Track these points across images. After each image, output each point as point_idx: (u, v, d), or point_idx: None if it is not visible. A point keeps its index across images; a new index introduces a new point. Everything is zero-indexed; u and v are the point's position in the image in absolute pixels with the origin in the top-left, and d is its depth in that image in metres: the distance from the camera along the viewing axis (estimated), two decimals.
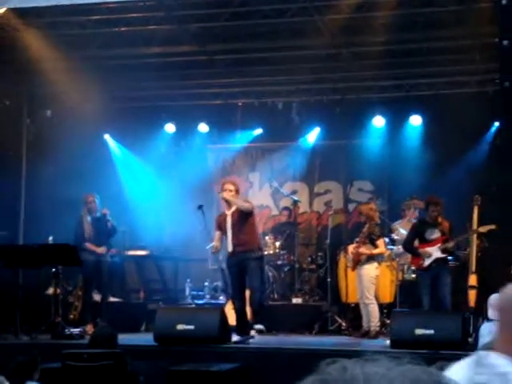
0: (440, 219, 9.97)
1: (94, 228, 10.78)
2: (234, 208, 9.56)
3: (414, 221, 11.20)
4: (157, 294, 13.26)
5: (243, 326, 9.46)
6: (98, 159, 13.88)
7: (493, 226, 10.06)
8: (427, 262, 9.88)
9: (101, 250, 10.74)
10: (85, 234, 10.75)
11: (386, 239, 11.23)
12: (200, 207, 9.97)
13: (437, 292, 9.78)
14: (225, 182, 10.08)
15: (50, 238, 11.31)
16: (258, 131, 14.10)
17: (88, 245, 10.73)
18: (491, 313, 7.15)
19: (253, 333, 9.45)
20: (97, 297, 11.27)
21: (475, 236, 10.39)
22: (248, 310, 9.54)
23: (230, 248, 9.56)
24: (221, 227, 9.73)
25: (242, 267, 9.46)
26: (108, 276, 10.96)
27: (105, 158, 14.15)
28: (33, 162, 13.26)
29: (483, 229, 10.11)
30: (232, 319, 10.08)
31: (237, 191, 9.69)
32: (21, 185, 13.27)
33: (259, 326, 9.49)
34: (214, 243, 9.79)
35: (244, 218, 9.50)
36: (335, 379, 1.17)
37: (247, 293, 9.61)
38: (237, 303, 9.54)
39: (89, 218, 10.84)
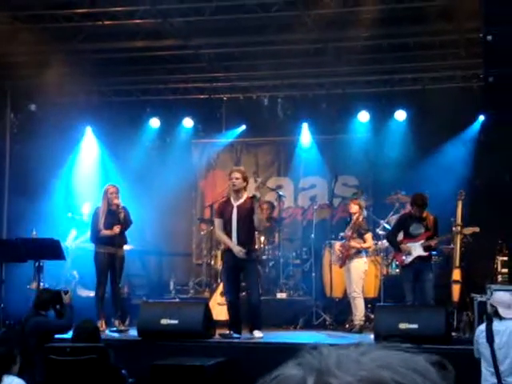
0: (425, 214, 10.01)
1: (108, 221, 10.25)
2: (241, 200, 9.36)
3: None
4: (141, 289, 13.22)
5: (237, 322, 9.41)
6: (82, 153, 13.88)
7: (476, 229, 10.06)
8: (409, 259, 9.92)
9: (115, 228, 10.12)
10: (99, 225, 10.22)
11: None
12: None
13: (420, 287, 9.83)
14: (233, 170, 9.68)
15: (34, 232, 11.25)
16: (243, 127, 14.07)
17: (103, 232, 10.21)
18: (502, 310, 6.88)
19: (260, 334, 9.38)
20: (84, 292, 11.23)
21: (459, 229, 10.42)
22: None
23: (234, 240, 9.31)
24: (223, 215, 9.47)
25: (239, 265, 9.34)
26: (119, 270, 10.33)
27: (88, 152, 14.12)
28: (17, 156, 13.19)
29: (467, 231, 10.12)
30: (216, 314, 10.08)
31: (244, 179, 9.43)
32: (4, 179, 13.20)
33: (259, 334, 9.36)
34: (226, 240, 9.44)
35: (250, 215, 9.32)
36: (309, 362, 1.19)
37: (243, 293, 9.61)
38: (230, 298, 9.44)
39: (105, 210, 10.28)
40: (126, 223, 10.37)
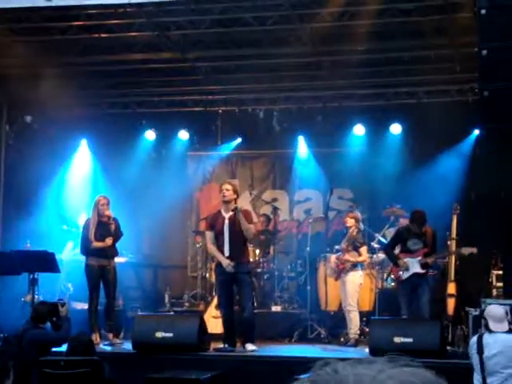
0: (424, 228, 10.00)
1: (99, 232, 10.19)
2: (232, 212, 9.37)
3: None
4: (135, 302, 13.18)
5: (232, 335, 9.39)
6: (75, 165, 13.90)
7: (474, 250, 9.99)
8: (406, 276, 9.91)
9: (108, 240, 10.08)
10: (90, 237, 10.13)
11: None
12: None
13: (415, 301, 9.82)
14: (223, 182, 9.79)
15: (28, 245, 11.23)
16: (239, 140, 14.09)
17: (95, 244, 10.12)
18: (492, 324, 6.96)
19: (253, 347, 9.33)
20: (79, 305, 11.19)
21: (454, 244, 10.42)
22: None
23: (226, 253, 9.34)
24: (214, 227, 9.47)
25: (233, 278, 9.34)
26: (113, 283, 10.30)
27: (81, 164, 14.13)
28: (12, 168, 13.18)
29: (465, 251, 10.05)
30: (211, 327, 10.05)
31: (235, 191, 9.51)
32: None
33: (252, 347, 9.33)
34: (216, 254, 9.49)
35: (241, 227, 9.35)
36: (325, 380, 1.17)
37: (237, 307, 9.59)
38: (225, 312, 9.43)
39: (96, 221, 10.21)
40: (117, 235, 10.31)
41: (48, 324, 7.90)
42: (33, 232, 12.12)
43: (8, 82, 12.30)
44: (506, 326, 7.00)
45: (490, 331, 6.92)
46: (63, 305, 8.00)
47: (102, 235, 10.18)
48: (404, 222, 12.07)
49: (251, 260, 12.09)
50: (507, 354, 6.82)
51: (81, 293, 11.67)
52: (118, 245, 10.42)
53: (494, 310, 7.14)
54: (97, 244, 10.16)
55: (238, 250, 9.34)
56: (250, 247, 12.21)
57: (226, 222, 9.36)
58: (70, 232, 12.68)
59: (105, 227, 10.21)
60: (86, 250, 10.26)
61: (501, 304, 8.08)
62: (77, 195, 13.79)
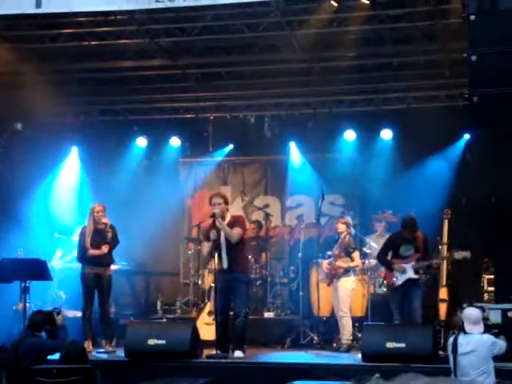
0: (416, 234, 10.03)
1: (95, 240, 10.18)
2: (226, 222, 9.34)
3: (386, 234, 11.31)
4: (128, 309, 13.16)
5: (225, 342, 9.38)
6: (66, 173, 13.89)
7: (468, 254, 10.03)
8: (399, 282, 9.94)
9: (103, 248, 10.08)
10: (86, 245, 10.14)
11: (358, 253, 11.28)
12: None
13: (407, 306, 9.85)
14: (213, 195, 9.66)
15: (20, 252, 11.20)
16: (230, 147, 14.10)
17: (91, 251, 10.12)
18: (468, 326, 7.26)
19: (241, 354, 9.33)
20: (71, 312, 11.16)
21: (445, 249, 10.44)
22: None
23: (225, 265, 9.31)
24: (209, 238, 9.39)
25: (230, 286, 9.35)
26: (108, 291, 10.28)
27: (70, 172, 14.13)
28: (2, 175, 13.15)
29: (459, 255, 10.08)
30: (204, 334, 10.04)
31: (226, 202, 9.49)
32: None
33: (239, 354, 9.32)
34: (209, 257, 9.55)
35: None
36: None
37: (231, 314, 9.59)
38: (220, 319, 9.40)
39: (92, 229, 10.21)
40: (113, 242, 10.30)
41: (43, 332, 7.89)
42: (23, 239, 12.08)
43: None
44: (481, 328, 7.29)
45: (465, 332, 7.23)
46: (58, 313, 8.00)
47: (99, 243, 10.18)
48: (379, 226, 12.15)
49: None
50: (479, 354, 7.10)
51: (72, 301, 11.66)
52: (114, 250, 10.42)
53: (470, 312, 7.42)
54: (93, 252, 10.16)
55: (235, 259, 9.34)
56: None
57: (222, 233, 9.34)
58: (60, 240, 12.66)
59: (101, 235, 10.21)
60: (83, 257, 10.24)
61: (491, 308, 8.20)
62: (65, 203, 13.78)
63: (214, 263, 9.44)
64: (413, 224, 9.96)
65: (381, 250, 10.55)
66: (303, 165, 13.88)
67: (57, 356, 7.49)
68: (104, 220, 10.21)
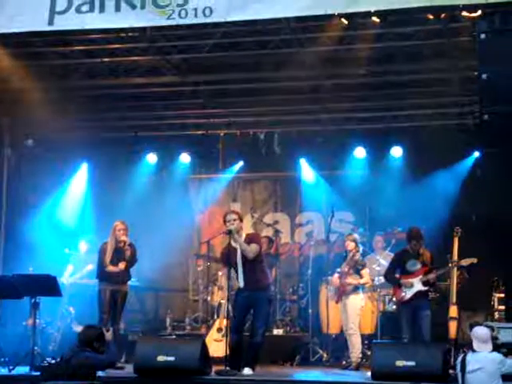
0: (422, 250, 10.04)
1: (115, 257, 10.32)
2: (241, 240, 9.26)
3: (385, 251, 11.37)
4: (137, 325, 13.16)
5: (237, 360, 9.28)
6: (75, 189, 13.95)
7: (474, 260, 10.05)
8: (408, 295, 9.92)
9: (120, 265, 10.23)
10: (104, 261, 10.29)
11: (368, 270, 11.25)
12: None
13: (417, 324, 9.81)
14: (227, 212, 9.59)
15: (31, 269, 11.21)
16: (240, 163, 14.12)
17: (108, 268, 10.28)
18: (476, 345, 7.39)
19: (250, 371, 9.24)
20: (80, 328, 11.15)
21: (455, 267, 10.41)
22: None
23: (241, 284, 9.25)
24: (228, 261, 9.33)
25: (250, 304, 9.28)
26: (121, 307, 10.33)
27: (78, 188, 14.18)
28: (14, 191, 13.20)
29: (465, 262, 10.10)
30: (213, 350, 10.01)
31: (240, 219, 9.42)
32: (1, 214, 13.19)
33: (248, 371, 9.24)
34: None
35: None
36: None
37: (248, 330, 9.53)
38: (234, 336, 9.31)
39: (113, 246, 10.36)
40: (131, 260, 10.45)
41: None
42: (34, 255, 12.11)
43: (10, 105, 12.36)
44: (490, 347, 7.44)
45: (474, 351, 7.40)
46: (108, 330, 7.98)
47: (117, 260, 10.33)
48: (379, 242, 12.18)
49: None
50: (487, 371, 7.23)
51: (82, 316, 11.66)
52: None
53: (479, 331, 7.56)
54: (111, 268, 10.31)
55: (252, 277, 9.24)
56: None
57: (238, 252, 9.27)
58: (70, 255, 12.68)
59: (120, 252, 10.37)
60: (101, 274, 10.39)
61: (502, 327, 8.23)
62: (75, 218, 13.83)
63: (223, 280, 9.41)
64: (419, 234, 9.97)
65: (388, 269, 10.51)
66: (313, 182, 13.88)
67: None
68: (123, 238, 10.34)
